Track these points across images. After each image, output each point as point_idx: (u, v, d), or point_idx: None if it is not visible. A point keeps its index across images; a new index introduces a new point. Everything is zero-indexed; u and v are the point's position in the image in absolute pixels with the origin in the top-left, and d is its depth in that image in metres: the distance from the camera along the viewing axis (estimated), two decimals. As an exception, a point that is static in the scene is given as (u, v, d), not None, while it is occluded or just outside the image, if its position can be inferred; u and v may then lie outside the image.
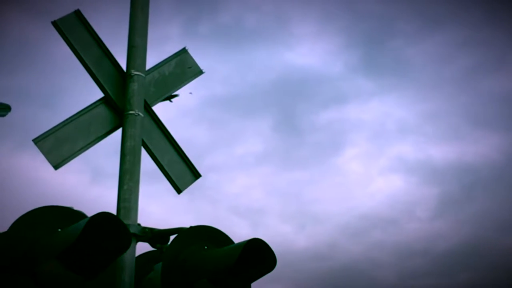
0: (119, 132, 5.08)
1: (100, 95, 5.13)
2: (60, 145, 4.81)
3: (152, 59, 5.33)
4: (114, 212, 4.70)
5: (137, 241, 4.63)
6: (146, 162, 5.07)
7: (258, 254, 4.46)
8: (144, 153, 5.06)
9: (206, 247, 4.61)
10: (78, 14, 5.10)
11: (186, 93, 5.72)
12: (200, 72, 5.75)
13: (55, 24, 5.00)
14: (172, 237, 4.65)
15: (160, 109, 5.45)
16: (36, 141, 4.74)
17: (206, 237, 4.63)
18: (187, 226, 4.66)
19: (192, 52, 5.75)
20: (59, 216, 4.18)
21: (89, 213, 4.28)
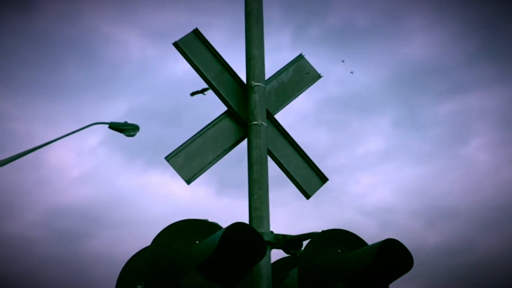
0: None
1: (222, 108, 5.28)
2: (191, 160, 4.98)
3: (266, 68, 5.41)
4: (246, 221, 4.80)
5: (271, 249, 4.70)
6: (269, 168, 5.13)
7: (393, 255, 4.40)
8: (269, 161, 5.14)
9: (340, 250, 4.61)
10: (196, 32, 5.27)
11: (303, 98, 5.73)
12: (318, 76, 5.77)
13: (176, 45, 5.18)
14: (305, 242, 4.68)
15: (280, 116, 5.54)
16: (168, 158, 4.93)
17: (339, 240, 4.62)
18: (318, 230, 4.68)
19: (306, 57, 5.79)
20: (195, 229, 4.32)
21: (220, 223, 4.43)
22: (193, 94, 5.50)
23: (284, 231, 4.77)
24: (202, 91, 5.47)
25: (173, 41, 5.18)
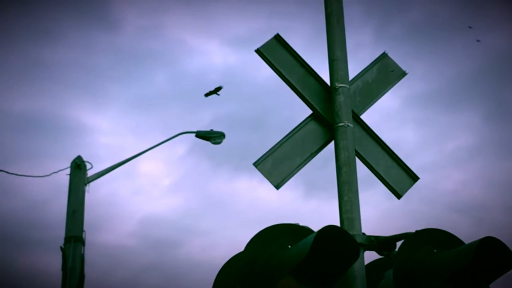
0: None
1: (305, 111, 5.27)
2: (279, 165, 5.00)
3: (349, 68, 5.35)
4: (337, 224, 4.77)
5: (364, 251, 4.65)
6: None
7: (493, 253, 4.26)
8: (357, 162, 5.09)
9: (435, 250, 4.50)
10: (278, 38, 5.29)
11: (388, 96, 5.63)
12: (403, 74, 5.67)
13: (258, 51, 5.22)
14: (398, 243, 4.60)
15: (366, 116, 5.47)
16: (257, 164, 4.96)
17: (434, 240, 4.52)
18: (410, 230, 4.59)
19: (389, 54, 5.70)
20: (287, 233, 4.34)
21: (310, 226, 4.42)
22: (207, 94, 5.52)
23: (375, 232, 4.72)
24: (216, 91, 5.49)
25: (255, 48, 5.23)
